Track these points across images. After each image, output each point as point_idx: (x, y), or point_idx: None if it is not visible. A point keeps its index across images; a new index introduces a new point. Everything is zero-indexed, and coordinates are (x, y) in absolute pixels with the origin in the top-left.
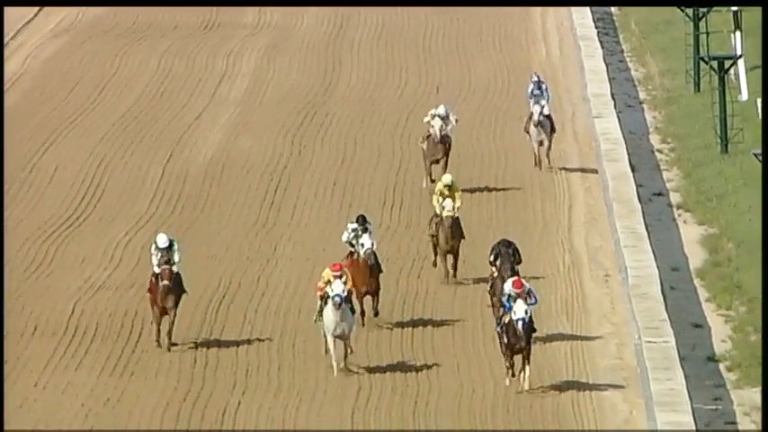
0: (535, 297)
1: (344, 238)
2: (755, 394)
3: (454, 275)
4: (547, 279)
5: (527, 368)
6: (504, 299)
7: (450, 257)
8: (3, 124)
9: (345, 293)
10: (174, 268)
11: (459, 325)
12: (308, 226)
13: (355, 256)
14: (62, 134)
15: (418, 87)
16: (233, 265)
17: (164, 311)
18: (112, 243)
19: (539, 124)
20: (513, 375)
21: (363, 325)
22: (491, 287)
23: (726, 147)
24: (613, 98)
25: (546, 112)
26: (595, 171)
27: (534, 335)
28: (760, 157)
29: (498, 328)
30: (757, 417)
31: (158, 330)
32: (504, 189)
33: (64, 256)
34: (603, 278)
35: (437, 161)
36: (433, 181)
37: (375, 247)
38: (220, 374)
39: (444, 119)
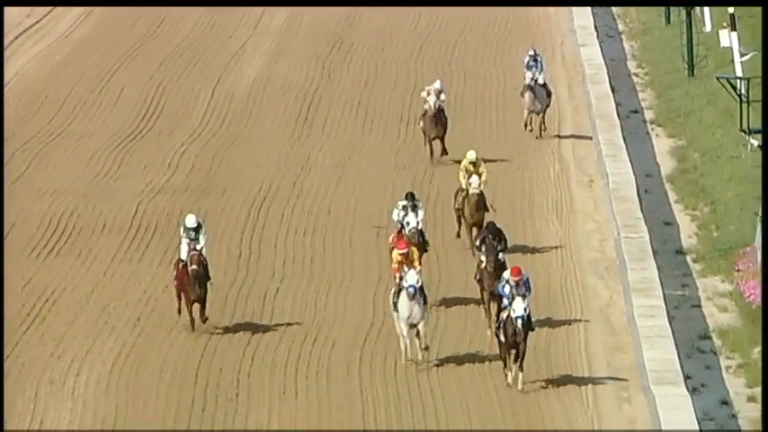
0: (530, 287)
1: (395, 217)
2: (717, 282)
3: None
4: (540, 184)
5: (522, 367)
6: (501, 285)
7: (474, 230)
8: (2, 124)
9: (419, 283)
10: (203, 251)
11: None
12: (336, 138)
13: (402, 234)
14: (127, 60)
15: (430, 20)
16: (272, 171)
17: (194, 302)
18: (170, 153)
19: (531, 89)
20: (506, 366)
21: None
22: (479, 278)
23: (692, 71)
24: (596, 30)
25: (540, 81)
26: (579, 92)
27: (532, 333)
28: (722, 80)
29: (496, 324)
30: (719, 301)
31: (192, 316)
32: (502, 106)
33: (129, 163)
34: (588, 183)
35: (436, 137)
36: (433, 159)
37: (421, 225)
38: (261, 265)
39: (438, 95)
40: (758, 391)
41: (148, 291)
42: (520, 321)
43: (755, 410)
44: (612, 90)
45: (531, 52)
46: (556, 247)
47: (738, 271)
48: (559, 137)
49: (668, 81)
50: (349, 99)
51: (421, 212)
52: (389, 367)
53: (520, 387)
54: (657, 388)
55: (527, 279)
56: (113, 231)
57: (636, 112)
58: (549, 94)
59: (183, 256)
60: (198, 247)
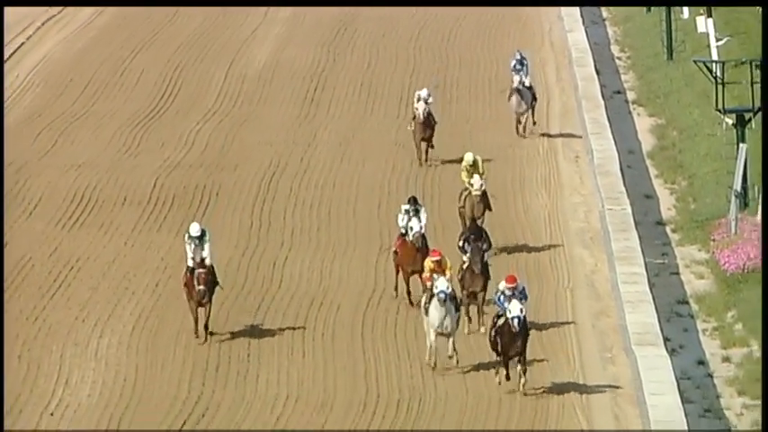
0: (526, 296)
1: (400, 222)
2: (694, 251)
3: None
4: (529, 160)
5: (525, 372)
6: (497, 296)
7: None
8: (2, 124)
9: (450, 290)
10: (207, 261)
11: None
12: (341, 117)
13: (406, 238)
14: (145, 46)
15: (428, 9)
16: (281, 148)
17: (199, 305)
18: (186, 131)
19: (518, 92)
20: (508, 378)
21: (412, 304)
22: (461, 278)
23: (671, 55)
24: (582, 16)
25: (527, 83)
26: (566, 74)
27: (529, 338)
28: (699, 63)
29: (492, 332)
30: (696, 269)
31: (196, 323)
32: (494, 88)
33: (148, 141)
34: (574, 158)
35: (424, 139)
36: (423, 159)
37: (423, 230)
38: (271, 235)
39: (427, 100)
40: (732, 352)
41: (166, 259)
42: (516, 321)
43: (729, 371)
44: (597, 72)
45: (518, 56)
46: (544, 219)
47: (714, 241)
48: (548, 116)
49: (649, 64)
50: (352, 81)
51: (423, 216)
52: (390, 330)
53: (521, 389)
54: (639, 349)
55: (523, 288)
56: (133, 204)
57: (619, 92)
58: (534, 97)
59: (190, 263)
60: (203, 254)
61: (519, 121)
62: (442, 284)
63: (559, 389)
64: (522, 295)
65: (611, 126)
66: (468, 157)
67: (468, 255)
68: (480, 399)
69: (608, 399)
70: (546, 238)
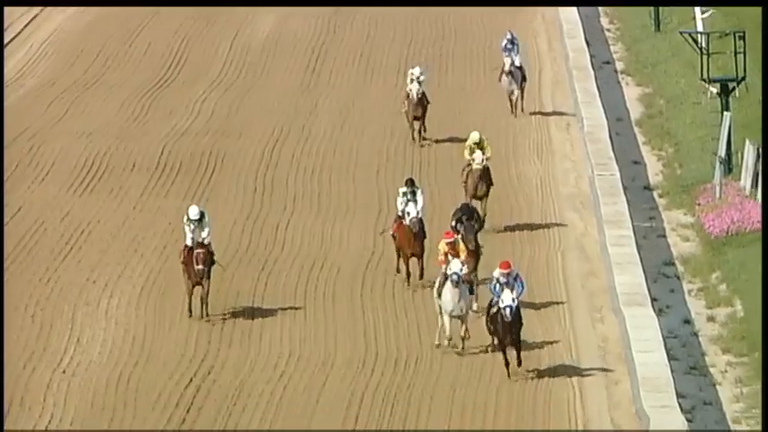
0: (522, 284)
1: (399, 206)
2: (680, 215)
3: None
4: (522, 127)
5: (518, 358)
6: (493, 284)
7: (480, 202)
8: (3, 120)
9: (464, 272)
10: (206, 241)
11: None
12: (340, 86)
13: (403, 222)
14: (153, 18)
15: None
16: (284, 116)
17: (197, 283)
18: (193, 99)
19: (510, 74)
20: (507, 365)
21: (408, 285)
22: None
23: (658, 27)
24: None
25: (517, 63)
26: (558, 45)
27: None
28: (685, 35)
29: (487, 319)
30: (682, 232)
31: (191, 301)
32: (489, 59)
33: (156, 109)
34: (565, 126)
35: (417, 118)
36: (416, 137)
37: (421, 214)
38: (274, 199)
39: (419, 79)
40: (717, 311)
41: (173, 223)
42: (508, 310)
43: (714, 329)
44: (587, 44)
45: (509, 36)
46: (536, 184)
47: (699, 205)
48: (540, 85)
49: (637, 35)
50: (352, 52)
51: (420, 199)
52: (389, 291)
53: (515, 364)
54: (627, 309)
55: (517, 274)
56: (142, 170)
57: (608, 63)
58: (524, 77)
59: (189, 242)
60: (203, 235)
61: (511, 101)
62: (455, 266)
63: (550, 347)
64: (517, 282)
65: (600, 95)
66: (474, 136)
67: (460, 234)
68: (474, 357)
69: (597, 356)
70: (538, 202)
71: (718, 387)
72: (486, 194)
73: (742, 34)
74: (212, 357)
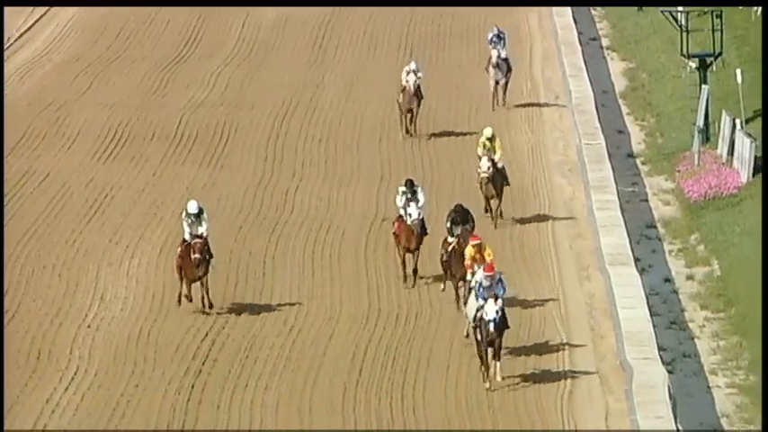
0: (504, 286)
1: (399, 203)
2: (661, 181)
3: (500, 215)
4: (514, 100)
5: (498, 363)
6: (477, 287)
7: (493, 202)
8: (3, 119)
9: (488, 282)
10: (204, 234)
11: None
12: (346, 61)
13: (404, 220)
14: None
15: None
16: (293, 89)
17: (195, 279)
18: (208, 73)
19: (497, 66)
20: (486, 371)
21: (405, 279)
22: (447, 260)
23: (641, 6)
24: None
25: (503, 56)
26: (548, 23)
27: (507, 331)
28: (665, 13)
29: (473, 323)
30: (663, 196)
31: (186, 291)
32: (483, 37)
33: (174, 82)
34: (554, 98)
35: (410, 110)
36: (408, 131)
37: (422, 215)
38: (284, 166)
39: (416, 73)
40: (695, 270)
41: (190, 188)
42: (492, 325)
43: (692, 287)
44: (575, 21)
45: (495, 30)
46: (528, 152)
47: (679, 171)
48: (531, 61)
49: (621, 13)
50: (356, 30)
51: (421, 198)
52: (390, 251)
53: (498, 378)
54: (612, 268)
55: (500, 278)
56: (161, 139)
57: (594, 39)
58: (509, 69)
59: (187, 237)
60: (201, 230)
61: (495, 91)
62: (479, 277)
63: (541, 304)
64: (500, 286)
65: (587, 69)
66: (487, 132)
67: (455, 236)
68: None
69: (584, 312)
70: (529, 168)
71: (696, 340)
72: (499, 195)
73: (719, 13)
74: (226, 312)
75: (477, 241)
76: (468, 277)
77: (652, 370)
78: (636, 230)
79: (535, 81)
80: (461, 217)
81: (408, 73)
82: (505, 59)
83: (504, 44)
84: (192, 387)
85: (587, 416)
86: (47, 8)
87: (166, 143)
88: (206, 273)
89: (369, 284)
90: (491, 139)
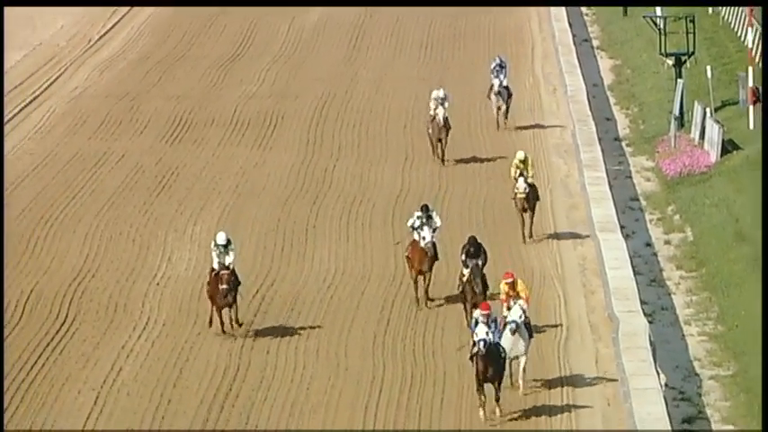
0: (497, 327)
1: (410, 223)
2: (643, 160)
3: (531, 235)
4: (518, 93)
5: (497, 395)
6: (473, 322)
7: (526, 217)
8: (2, 118)
9: (523, 318)
10: (231, 266)
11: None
12: (377, 59)
13: (418, 243)
14: (228, 6)
15: None
16: (330, 83)
17: (224, 307)
18: (259, 70)
19: (498, 93)
20: (483, 404)
21: (418, 302)
22: (462, 290)
23: (626, 12)
24: None
25: (504, 84)
26: (547, 27)
27: (504, 362)
28: (647, 19)
29: (470, 356)
30: (644, 174)
31: (219, 320)
32: (495, 35)
33: (230, 77)
34: (552, 91)
35: (440, 140)
36: (439, 155)
37: (435, 238)
38: (323, 149)
39: (443, 103)
40: (672, 236)
41: (244, 167)
42: (482, 344)
43: (669, 251)
44: (570, 25)
45: (498, 60)
46: (529, 136)
47: (658, 152)
48: (533, 59)
49: (609, 19)
50: (385, 32)
51: (436, 221)
52: None
53: (497, 413)
54: (601, 234)
55: (495, 318)
56: (219, 125)
57: (586, 40)
58: (509, 95)
59: (215, 266)
60: (227, 261)
61: (497, 115)
62: (514, 314)
63: (540, 264)
64: (495, 325)
65: (580, 66)
66: (520, 155)
67: (468, 270)
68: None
69: (577, 272)
70: (531, 149)
71: (672, 296)
72: (532, 209)
73: (692, 18)
74: (274, 272)
75: (510, 279)
76: (505, 312)
77: (635, 321)
78: (621, 203)
79: (536, 76)
80: (474, 250)
81: (437, 103)
82: (506, 87)
83: (506, 74)
84: (246, 335)
85: (580, 360)
86: (126, 11)
87: (223, 129)
88: (234, 301)
89: (395, 248)
90: (524, 162)
